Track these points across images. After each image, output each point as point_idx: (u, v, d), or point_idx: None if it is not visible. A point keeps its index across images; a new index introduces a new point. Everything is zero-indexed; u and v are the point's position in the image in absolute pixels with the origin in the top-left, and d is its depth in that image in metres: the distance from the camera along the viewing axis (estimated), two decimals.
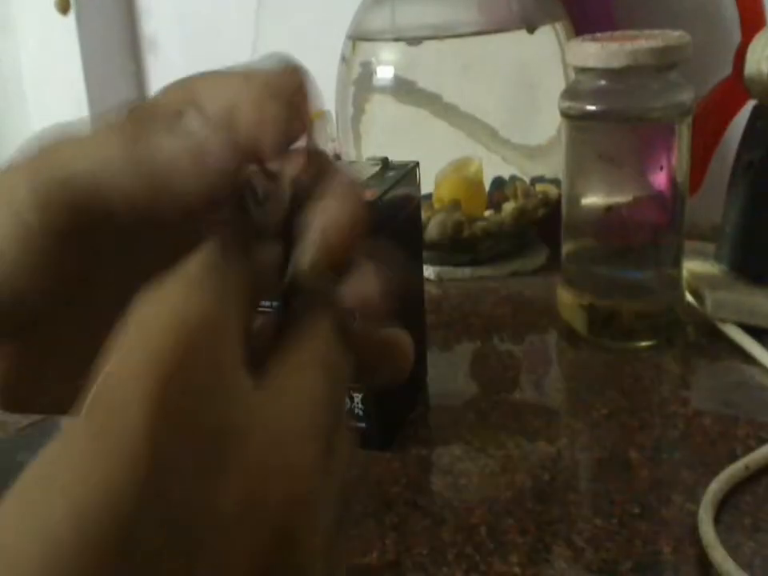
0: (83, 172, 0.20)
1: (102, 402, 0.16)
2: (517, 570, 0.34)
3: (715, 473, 0.38)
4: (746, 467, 0.38)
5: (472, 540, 0.35)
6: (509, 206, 0.65)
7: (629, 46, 0.46)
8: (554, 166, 0.64)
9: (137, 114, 0.21)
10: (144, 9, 1.25)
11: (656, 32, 0.49)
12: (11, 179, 0.20)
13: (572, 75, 0.52)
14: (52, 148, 0.21)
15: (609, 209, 0.50)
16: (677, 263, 0.51)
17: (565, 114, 0.50)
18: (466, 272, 0.65)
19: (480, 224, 0.63)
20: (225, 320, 0.18)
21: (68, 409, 0.17)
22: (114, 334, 0.17)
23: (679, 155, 0.49)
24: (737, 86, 0.53)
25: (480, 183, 0.64)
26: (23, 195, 0.20)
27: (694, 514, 0.35)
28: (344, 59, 0.67)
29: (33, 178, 0.20)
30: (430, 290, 0.62)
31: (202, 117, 0.20)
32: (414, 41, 0.62)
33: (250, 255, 0.20)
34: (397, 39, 0.63)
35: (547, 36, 0.62)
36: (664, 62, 0.46)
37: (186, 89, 0.21)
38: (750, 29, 0.55)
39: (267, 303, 0.22)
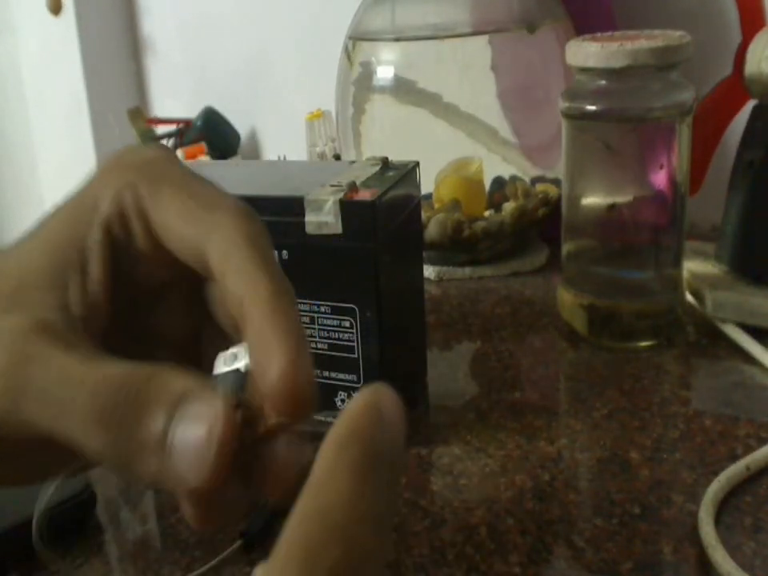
0: (53, 414, 0.19)
1: None
2: (517, 570, 0.34)
3: (715, 473, 0.38)
4: (747, 468, 0.38)
5: (472, 540, 0.35)
6: (509, 206, 0.65)
7: (629, 45, 0.46)
8: (553, 165, 0.64)
9: (136, 389, 0.19)
10: (143, 9, 1.25)
11: (656, 32, 0.49)
12: None
13: (572, 75, 0.52)
14: (36, 349, 0.20)
15: (611, 207, 0.49)
16: (677, 263, 0.51)
17: (565, 114, 0.50)
18: (465, 272, 0.65)
19: (480, 224, 0.63)
20: None
21: None
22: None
23: (679, 155, 0.49)
24: (737, 85, 0.53)
25: (480, 183, 0.64)
26: None
27: (694, 515, 0.35)
28: (344, 59, 0.67)
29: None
30: (430, 289, 0.62)
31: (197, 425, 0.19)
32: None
33: None
34: (397, 39, 0.63)
35: (547, 36, 0.62)
36: (664, 62, 0.46)
37: None
38: (750, 29, 0.55)
39: None
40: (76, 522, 0.37)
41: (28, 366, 0.20)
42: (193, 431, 0.18)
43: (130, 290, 0.24)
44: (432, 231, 0.63)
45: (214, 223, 0.22)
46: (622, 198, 0.50)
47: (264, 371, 0.19)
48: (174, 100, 1.25)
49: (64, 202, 0.24)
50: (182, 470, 0.18)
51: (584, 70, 0.48)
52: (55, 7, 1.06)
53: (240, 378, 0.20)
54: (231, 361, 0.21)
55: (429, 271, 0.64)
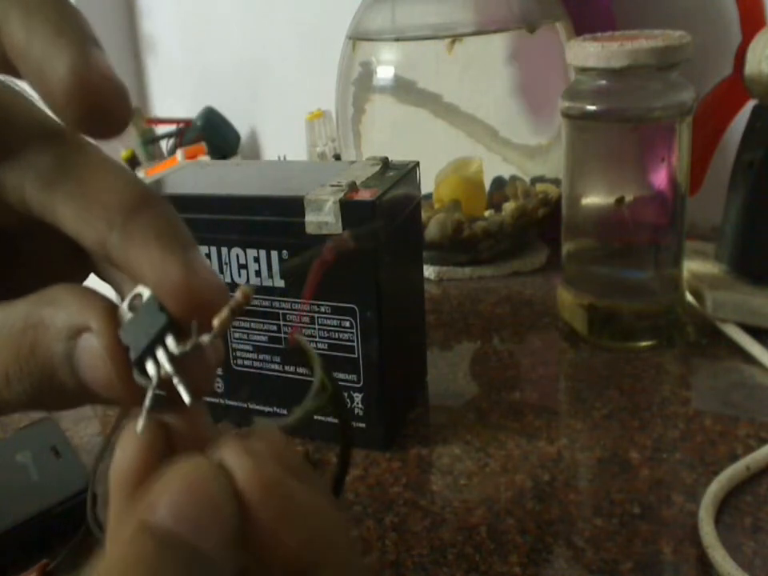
0: None
1: None
2: (517, 570, 0.34)
3: (715, 473, 0.38)
4: (747, 468, 0.38)
5: (472, 540, 0.35)
6: (509, 206, 0.65)
7: (629, 45, 0.46)
8: (554, 165, 0.64)
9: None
10: (144, 9, 1.25)
11: (656, 32, 0.49)
12: None
13: (572, 75, 0.52)
14: None
15: (620, 200, 0.49)
16: (677, 263, 0.51)
17: (565, 114, 0.50)
18: (466, 272, 0.65)
19: (480, 224, 0.63)
20: None
21: None
22: None
23: (680, 155, 0.49)
24: (737, 85, 0.53)
25: (480, 183, 0.64)
26: None
27: (694, 514, 0.35)
28: (344, 59, 0.67)
29: None
30: (430, 289, 0.62)
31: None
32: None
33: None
34: (397, 39, 0.63)
35: (547, 36, 0.63)
36: (664, 62, 0.46)
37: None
38: (750, 29, 0.55)
39: None
40: (76, 522, 0.37)
41: None
42: (92, 362, 0.18)
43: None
44: (432, 231, 0.63)
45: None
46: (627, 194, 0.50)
47: (50, 72, 0.18)
48: (174, 100, 1.25)
49: None
50: (94, 387, 0.19)
51: (584, 70, 0.48)
52: None
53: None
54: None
55: (429, 271, 0.64)
